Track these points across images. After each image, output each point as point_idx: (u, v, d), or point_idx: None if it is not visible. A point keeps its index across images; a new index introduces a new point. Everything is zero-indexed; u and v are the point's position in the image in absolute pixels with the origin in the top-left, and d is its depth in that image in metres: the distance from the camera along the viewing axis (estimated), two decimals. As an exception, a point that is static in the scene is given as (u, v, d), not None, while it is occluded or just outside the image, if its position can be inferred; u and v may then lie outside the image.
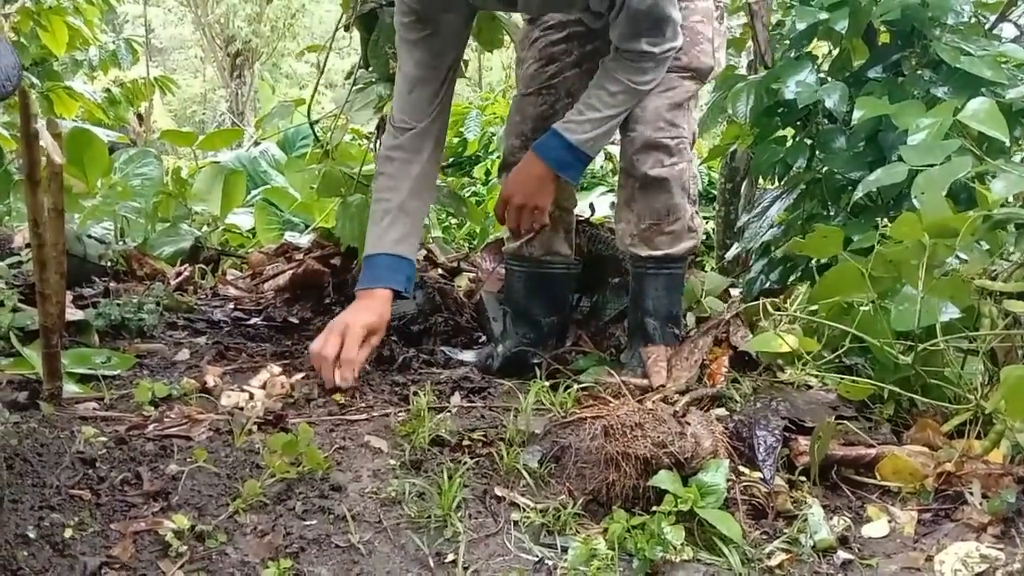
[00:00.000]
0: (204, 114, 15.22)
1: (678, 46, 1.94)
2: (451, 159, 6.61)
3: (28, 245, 2.75)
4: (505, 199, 2.02)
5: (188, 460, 1.53)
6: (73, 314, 2.15)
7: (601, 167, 6.10)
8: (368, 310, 1.94)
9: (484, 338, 2.47)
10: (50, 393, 1.72)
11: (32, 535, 1.30)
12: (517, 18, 2.74)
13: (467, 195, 5.60)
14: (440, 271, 2.98)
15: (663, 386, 1.89)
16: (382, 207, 2.02)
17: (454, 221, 5.33)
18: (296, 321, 2.59)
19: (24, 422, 1.62)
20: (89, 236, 2.88)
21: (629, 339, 2.17)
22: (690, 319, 2.30)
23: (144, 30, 7.94)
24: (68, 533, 1.32)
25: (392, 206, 2.01)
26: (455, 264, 3.05)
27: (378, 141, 3.06)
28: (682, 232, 2.06)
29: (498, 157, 6.53)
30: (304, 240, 3.23)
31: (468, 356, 2.21)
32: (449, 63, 2.03)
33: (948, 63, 2.37)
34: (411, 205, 2.02)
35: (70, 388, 1.83)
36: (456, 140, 6.74)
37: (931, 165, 1.96)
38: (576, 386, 1.87)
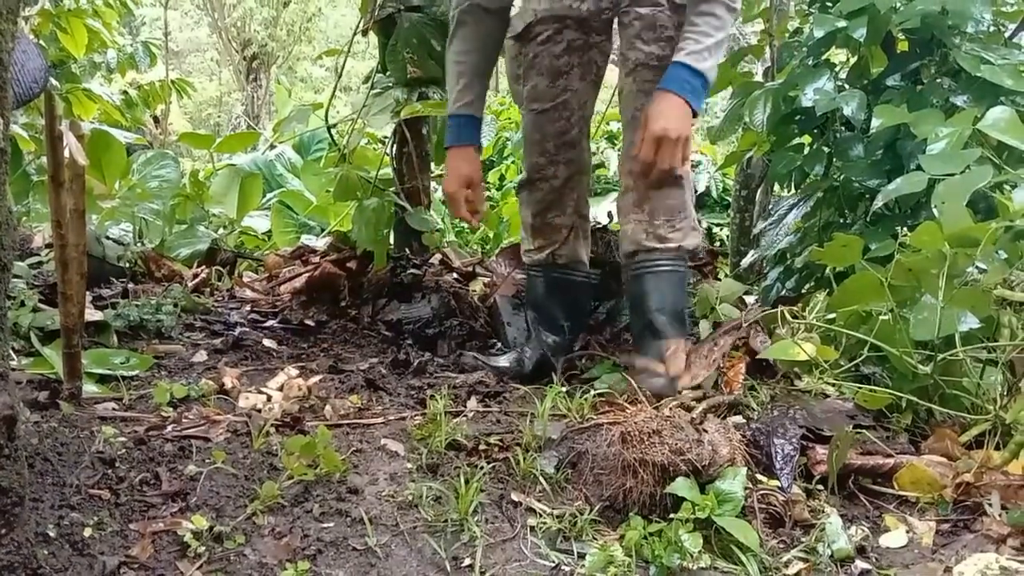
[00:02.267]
0: (219, 117, 15.30)
1: None
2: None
3: (48, 245, 2.77)
4: (660, 135, 1.95)
5: (206, 461, 1.53)
6: (92, 315, 2.17)
7: (614, 173, 6.09)
8: (458, 167, 2.19)
9: (498, 343, 2.48)
10: (70, 393, 1.73)
11: (52, 534, 1.31)
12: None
13: (481, 200, 5.58)
14: (455, 275, 2.98)
15: (678, 377, 1.90)
16: (457, 69, 2.19)
17: (467, 225, 5.33)
18: (312, 324, 2.60)
19: (44, 421, 1.63)
20: (108, 237, 2.90)
21: (639, 344, 2.16)
22: (705, 326, 2.29)
23: (162, 33, 7.99)
24: (87, 532, 1.33)
25: (466, 68, 2.18)
26: (470, 268, 3.06)
27: (394, 145, 3.09)
28: (688, 228, 2.11)
29: (514, 162, 6.56)
30: (320, 243, 3.25)
31: (500, 362, 2.21)
32: None
33: (968, 71, 2.35)
34: (484, 64, 2.20)
35: (89, 388, 1.85)
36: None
37: (951, 174, 1.95)
38: (592, 392, 1.87)
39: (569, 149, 2.19)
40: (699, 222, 2.20)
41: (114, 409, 1.78)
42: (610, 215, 2.74)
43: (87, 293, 2.12)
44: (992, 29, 2.50)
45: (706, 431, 1.52)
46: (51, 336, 2.05)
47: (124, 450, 1.56)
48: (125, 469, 1.51)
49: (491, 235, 5.01)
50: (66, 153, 1.58)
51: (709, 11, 1.98)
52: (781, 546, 1.44)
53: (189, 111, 14.64)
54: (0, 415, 1.23)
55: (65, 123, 1.59)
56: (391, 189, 2.94)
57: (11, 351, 1.64)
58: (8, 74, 1.13)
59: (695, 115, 2.03)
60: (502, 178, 6.36)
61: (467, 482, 1.49)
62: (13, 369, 1.74)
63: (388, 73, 2.88)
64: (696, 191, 2.20)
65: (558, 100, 2.16)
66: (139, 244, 3.10)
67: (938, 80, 2.49)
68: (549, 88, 2.16)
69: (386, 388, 2.03)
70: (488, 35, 2.19)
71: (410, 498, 1.49)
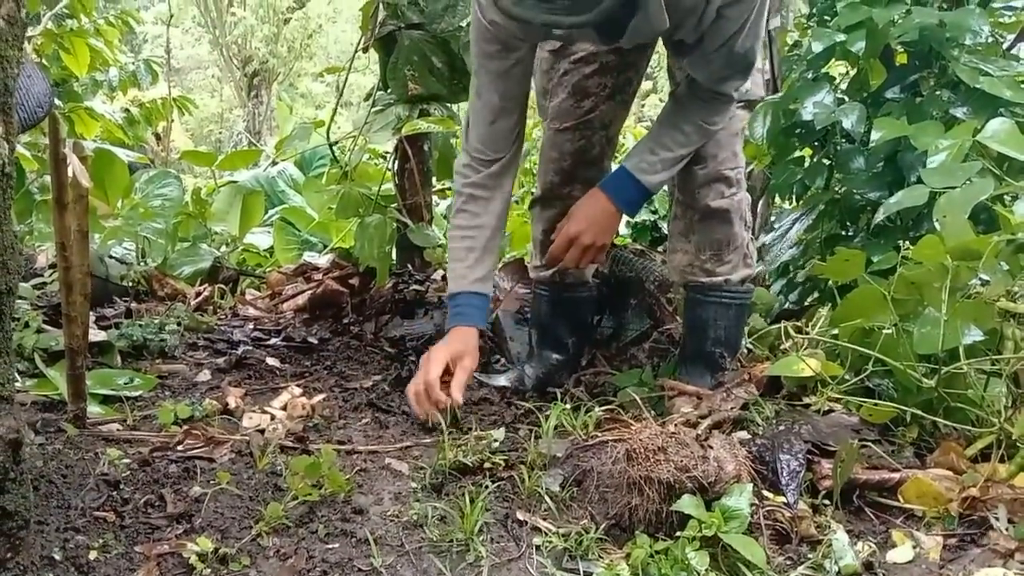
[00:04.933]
0: (221, 133, 15.36)
1: (748, 88, 1.95)
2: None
3: (52, 266, 2.78)
4: (572, 237, 1.97)
5: (211, 482, 1.53)
6: (96, 335, 2.17)
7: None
8: (454, 340, 1.94)
9: (502, 359, 2.48)
10: (75, 415, 1.73)
11: (58, 557, 1.31)
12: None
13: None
14: (458, 291, 2.98)
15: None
16: (466, 244, 1.99)
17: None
18: (315, 341, 2.60)
19: (49, 443, 1.64)
20: (111, 257, 2.91)
21: (684, 365, 2.17)
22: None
23: (162, 50, 8.03)
24: (93, 555, 1.33)
25: (477, 244, 1.98)
26: (472, 284, 3.05)
27: (395, 161, 3.10)
28: (739, 261, 2.09)
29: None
30: (323, 260, 3.25)
31: (501, 380, 2.21)
32: (526, 89, 1.97)
33: (967, 83, 2.37)
34: (494, 240, 2.01)
35: (93, 409, 1.85)
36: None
37: (952, 187, 1.95)
38: (597, 409, 1.87)
39: (589, 168, 2.14)
40: (752, 248, 2.14)
41: (118, 430, 1.78)
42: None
43: (91, 313, 2.13)
44: (990, 41, 2.51)
45: (711, 447, 1.52)
46: (55, 357, 2.06)
47: (129, 472, 1.56)
48: (130, 491, 1.51)
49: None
50: (70, 174, 1.59)
51: (679, 125, 1.91)
52: (788, 563, 1.43)
53: (191, 128, 14.69)
54: (6, 438, 1.23)
55: (69, 144, 1.60)
56: (393, 205, 2.95)
57: (15, 373, 1.64)
58: (13, 99, 1.14)
59: (629, 215, 2.01)
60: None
61: (472, 501, 1.48)
62: (17, 391, 1.74)
63: (389, 90, 2.89)
64: (747, 220, 2.12)
65: (581, 119, 2.10)
66: (142, 263, 3.10)
67: (937, 92, 2.51)
68: (574, 108, 2.10)
69: (389, 407, 2.03)
70: (502, 209, 2.01)
71: (415, 518, 1.48)
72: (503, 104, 1.92)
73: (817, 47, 2.57)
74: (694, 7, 1.68)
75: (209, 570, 1.32)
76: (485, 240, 1.98)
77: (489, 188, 1.98)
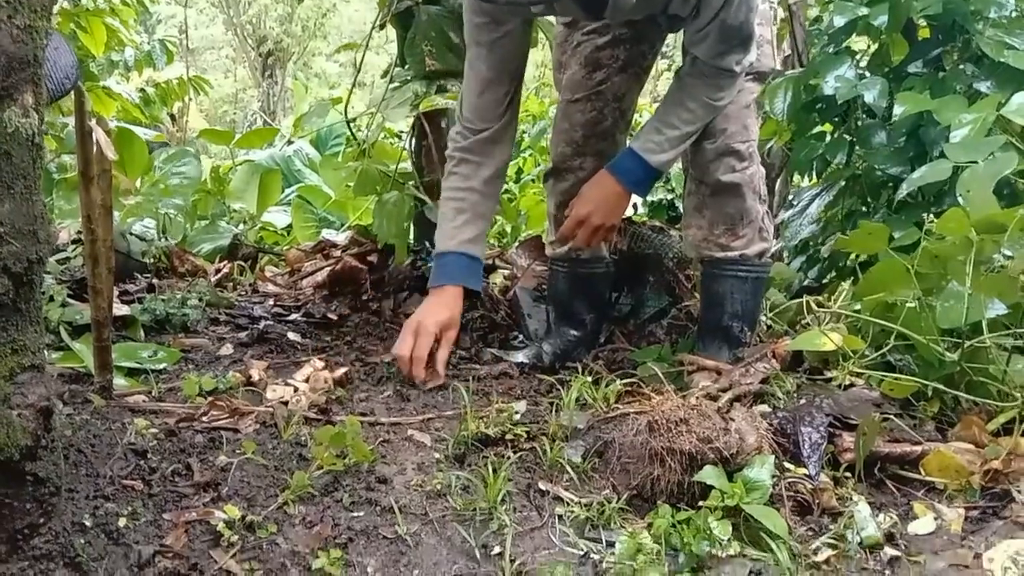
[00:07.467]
0: (235, 114, 15.37)
1: (753, 60, 1.93)
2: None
3: (74, 241, 2.81)
4: (581, 218, 1.99)
5: (237, 452, 1.55)
6: (119, 309, 2.20)
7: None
8: (440, 306, 1.93)
9: (520, 336, 2.48)
10: (101, 386, 1.75)
11: (88, 523, 1.33)
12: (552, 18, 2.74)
13: (498, 193, 5.58)
14: (475, 268, 2.98)
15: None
16: (455, 205, 2.00)
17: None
18: (334, 317, 2.61)
19: (76, 414, 1.66)
20: (131, 233, 2.93)
21: (702, 339, 2.16)
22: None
23: (176, 30, 8.04)
24: (122, 522, 1.35)
25: (466, 205, 1.99)
26: (490, 261, 3.07)
27: (412, 139, 3.09)
28: (754, 235, 2.08)
29: (531, 155, 6.55)
30: (341, 237, 3.26)
31: (519, 357, 2.22)
32: (518, 64, 1.99)
33: (991, 57, 2.34)
34: (483, 207, 2.01)
35: (118, 382, 1.87)
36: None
37: (975, 161, 1.94)
38: (618, 381, 1.88)
39: (600, 140, 2.14)
40: (768, 221, 2.13)
41: (144, 402, 1.80)
42: (634, 206, 2.74)
43: (114, 288, 2.14)
44: (1015, 14, 2.48)
45: (733, 420, 1.52)
46: (79, 331, 2.08)
47: (155, 442, 1.58)
48: (157, 460, 1.53)
49: (509, 228, 5.01)
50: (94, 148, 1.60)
51: (683, 103, 1.91)
52: (810, 533, 1.44)
53: (205, 108, 14.70)
54: (38, 406, 1.25)
55: (92, 119, 1.61)
56: (410, 183, 2.95)
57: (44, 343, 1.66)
58: (43, 70, 1.15)
59: (640, 196, 2.02)
60: (519, 171, 6.35)
61: (495, 471, 1.49)
62: (44, 363, 1.76)
63: (406, 66, 2.88)
64: (761, 194, 2.12)
65: (592, 90, 2.11)
66: (162, 239, 3.13)
67: (961, 66, 2.48)
68: (585, 79, 2.11)
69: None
70: (493, 177, 2.02)
71: (438, 487, 1.50)
72: (491, 76, 1.94)
73: (839, 21, 2.55)
74: None
75: (236, 536, 1.34)
76: (474, 204, 1.99)
77: (480, 154, 1.99)
